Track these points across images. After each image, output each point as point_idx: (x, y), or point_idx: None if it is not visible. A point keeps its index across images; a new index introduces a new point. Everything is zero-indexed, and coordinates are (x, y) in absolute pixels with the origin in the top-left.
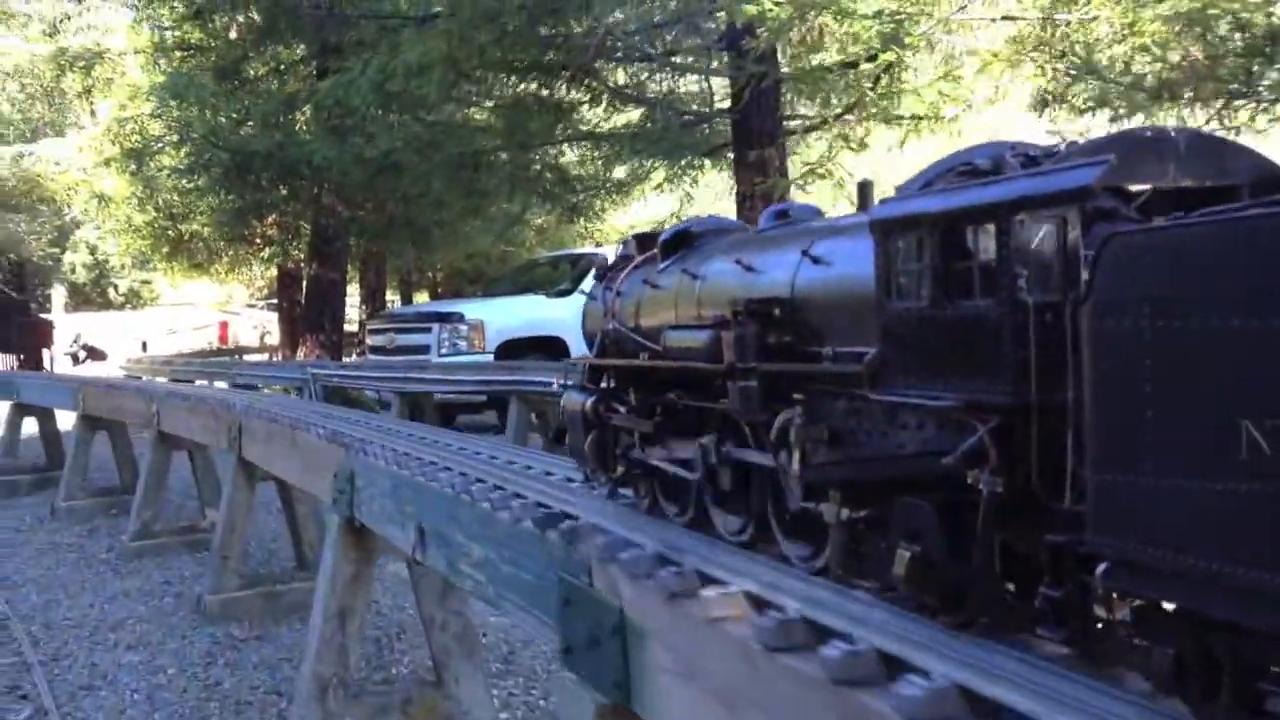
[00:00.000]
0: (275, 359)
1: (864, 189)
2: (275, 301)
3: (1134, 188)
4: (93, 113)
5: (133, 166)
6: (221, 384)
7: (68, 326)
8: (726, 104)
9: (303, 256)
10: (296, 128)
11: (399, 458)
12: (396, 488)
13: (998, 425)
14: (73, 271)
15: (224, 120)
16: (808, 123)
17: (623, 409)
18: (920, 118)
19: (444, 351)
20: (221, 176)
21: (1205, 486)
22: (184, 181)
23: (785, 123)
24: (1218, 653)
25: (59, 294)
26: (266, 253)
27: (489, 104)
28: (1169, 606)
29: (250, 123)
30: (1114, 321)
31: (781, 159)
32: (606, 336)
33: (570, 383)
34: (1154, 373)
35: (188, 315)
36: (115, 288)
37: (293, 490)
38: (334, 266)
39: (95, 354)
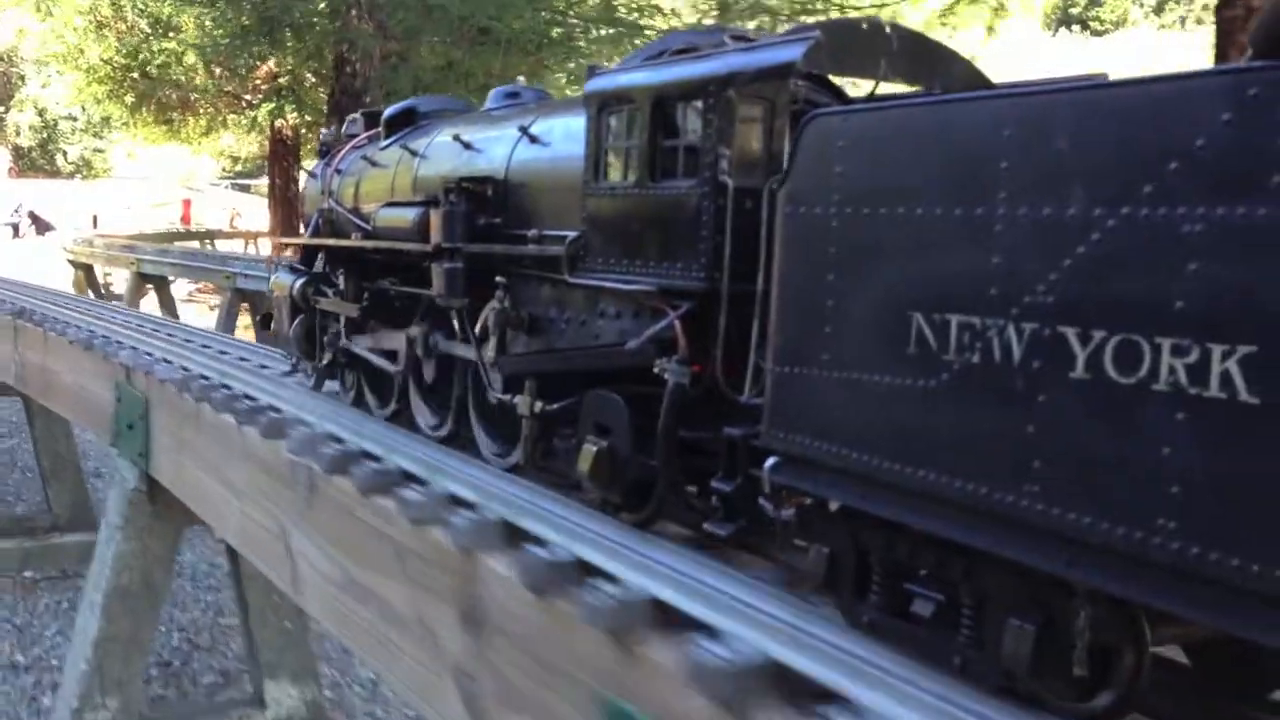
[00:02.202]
0: (252, 248)
1: (592, 71)
2: (243, 182)
3: (843, 85)
4: None
5: None
6: (204, 288)
7: (9, 194)
8: None
9: (299, 117)
10: None
11: None
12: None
13: (688, 312)
14: (17, 134)
15: None
16: None
17: (332, 293)
18: None
19: None
20: None
21: (874, 381)
22: None
23: None
24: (871, 553)
25: (1, 157)
26: (264, 109)
27: None
28: (832, 506)
29: None
30: (806, 208)
31: None
32: (322, 216)
33: (282, 264)
34: (837, 262)
35: (144, 190)
36: (64, 154)
37: None
38: None
39: (41, 225)
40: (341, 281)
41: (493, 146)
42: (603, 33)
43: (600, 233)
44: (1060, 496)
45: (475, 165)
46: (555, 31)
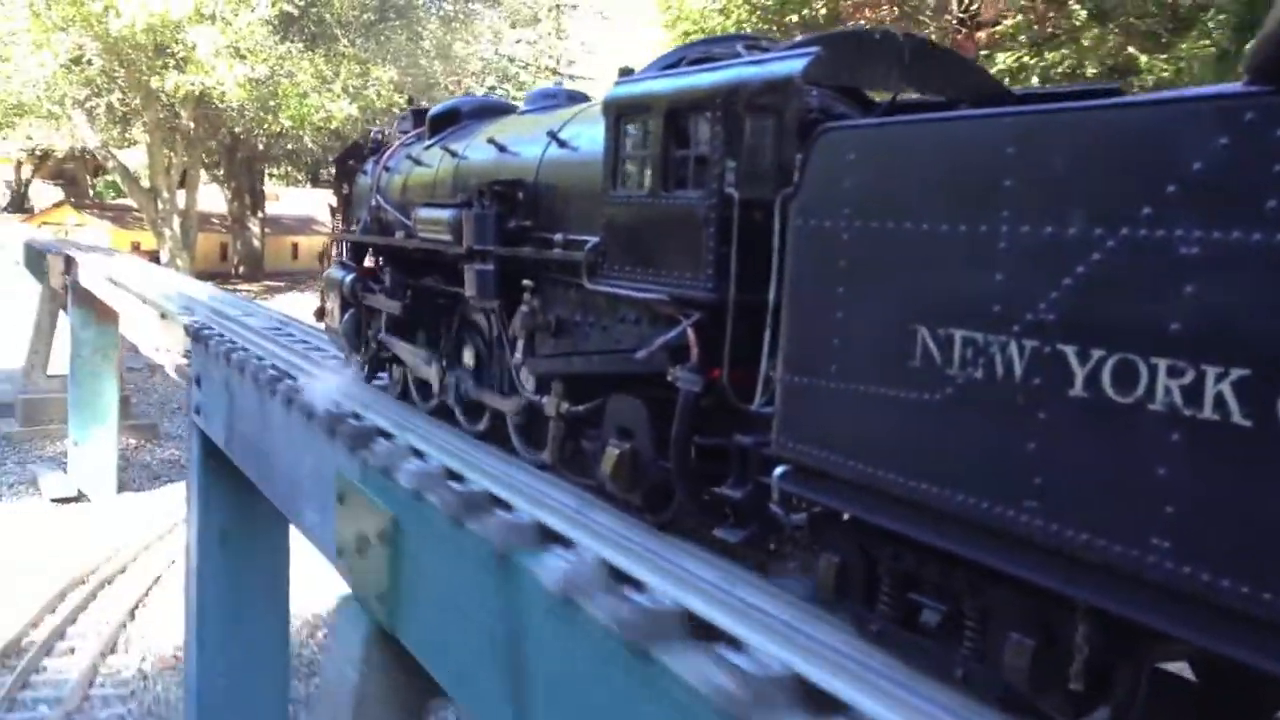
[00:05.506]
0: None
1: (623, 75)
2: None
3: (871, 96)
4: None
5: None
6: None
7: None
8: None
9: None
10: None
11: None
12: None
13: (700, 321)
14: None
15: None
16: None
17: (378, 289)
18: None
19: None
20: None
21: (880, 393)
22: None
23: None
24: (879, 563)
25: None
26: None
27: None
28: (844, 517)
29: None
30: (816, 220)
31: None
32: (371, 213)
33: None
34: (846, 275)
35: None
36: None
37: None
38: None
39: None
40: (387, 279)
41: (525, 149)
42: None
43: (617, 240)
44: (1059, 513)
45: (507, 168)
46: None
